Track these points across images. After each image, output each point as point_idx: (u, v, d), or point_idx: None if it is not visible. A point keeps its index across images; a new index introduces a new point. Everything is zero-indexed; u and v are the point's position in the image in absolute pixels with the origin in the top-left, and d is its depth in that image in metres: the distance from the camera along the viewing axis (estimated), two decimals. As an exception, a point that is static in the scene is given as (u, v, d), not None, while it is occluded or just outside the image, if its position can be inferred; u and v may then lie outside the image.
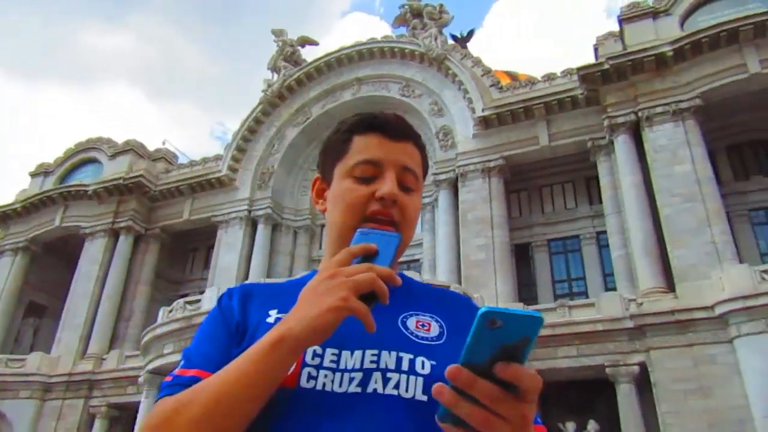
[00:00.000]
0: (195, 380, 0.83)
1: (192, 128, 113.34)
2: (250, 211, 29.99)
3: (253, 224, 29.99)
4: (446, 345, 0.92)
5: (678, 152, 21.59)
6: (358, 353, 0.87)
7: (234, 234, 29.57)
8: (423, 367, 0.87)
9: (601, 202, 24.51)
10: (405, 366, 0.86)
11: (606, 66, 23.43)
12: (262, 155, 31.38)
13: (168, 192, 32.00)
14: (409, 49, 29.79)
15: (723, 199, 21.30)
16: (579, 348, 20.41)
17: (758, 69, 21.40)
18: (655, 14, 24.44)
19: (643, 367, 19.64)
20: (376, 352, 0.88)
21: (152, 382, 21.97)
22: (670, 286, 20.27)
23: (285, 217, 30.75)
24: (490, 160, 25.80)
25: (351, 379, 0.85)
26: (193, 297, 22.06)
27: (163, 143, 36.44)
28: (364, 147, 1.03)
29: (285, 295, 0.95)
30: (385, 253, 0.83)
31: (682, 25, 24.06)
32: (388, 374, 0.85)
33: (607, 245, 23.74)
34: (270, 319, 0.94)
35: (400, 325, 0.94)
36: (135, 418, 24.15)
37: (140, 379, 22.66)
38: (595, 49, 25.56)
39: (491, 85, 27.27)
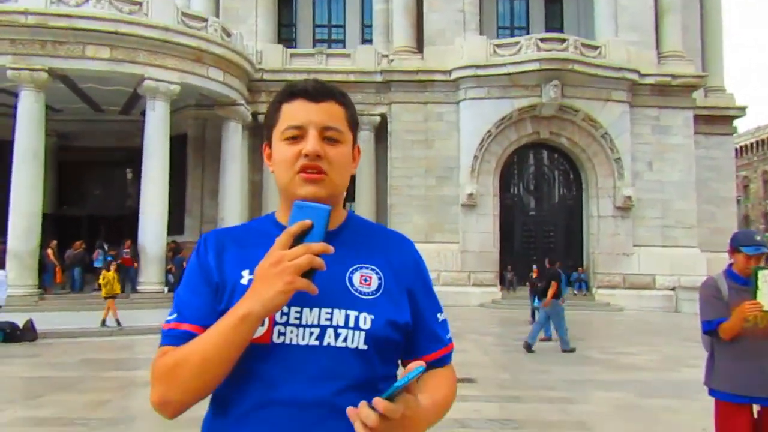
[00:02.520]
0: (188, 334, 1.07)
1: None
2: None
3: None
4: (382, 298, 1.14)
5: None
6: (315, 311, 1.08)
7: None
8: (365, 323, 1.10)
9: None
10: (351, 323, 1.09)
11: None
12: None
13: None
14: None
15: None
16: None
17: None
18: None
19: (384, 118, 21.79)
20: (329, 310, 1.09)
21: None
22: (420, 48, 21.79)
23: None
24: None
25: (311, 334, 1.08)
26: None
27: None
28: (290, 113, 1.16)
29: (252, 250, 1.11)
30: (319, 225, 1.01)
31: None
32: (339, 330, 1.08)
33: (371, -3, 23.89)
34: (243, 281, 1.09)
35: (347, 281, 1.13)
36: None
37: None
38: None
39: None
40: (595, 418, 5.78)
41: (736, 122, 25.39)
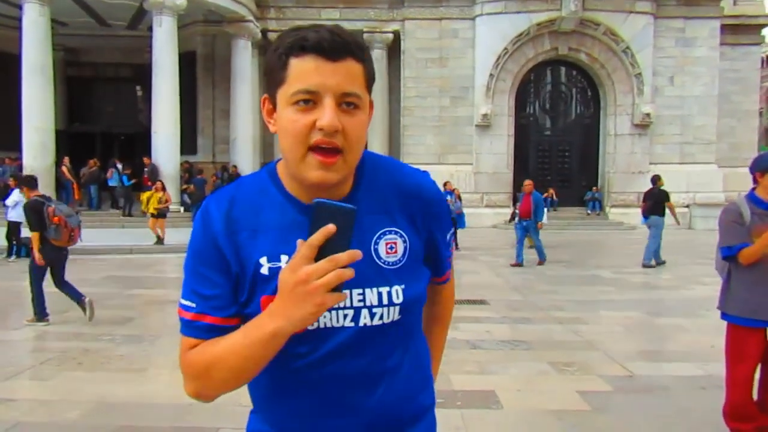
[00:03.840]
0: (212, 327, 1.03)
1: None
2: None
3: None
4: (408, 263, 1.09)
5: None
6: (346, 292, 1.01)
7: None
8: (397, 296, 1.06)
9: None
10: (385, 300, 1.06)
11: None
12: None
13: None
14: None
15: None
16: (342, 11, 20.81)
17: None
18: None
19: (397, 35, 21.10)
20: (361, 291, 1.05)
21: None
22: (435, -42, 20.79)
23: None
24: None
25: (345, 316, 1.04)
26: None
27: None
28: (300, 73, 0.99)
29: (268, 232, 1.04)
30: (344, 230, 0.91)
31: None
32: (374, 309, 1.05)
33: None
34: (263, 270, 1.02)
35: (373, 253, 1.06)
36: None
37: None
38: None
39: None
40: (605, 338, 5.91)
41: (764, 31, 24.34)
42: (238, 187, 1.14)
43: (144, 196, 14.31)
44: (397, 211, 1.12)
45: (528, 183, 11.87)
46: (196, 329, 1.05)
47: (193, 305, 1.05)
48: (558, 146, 22.52)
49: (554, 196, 21.53)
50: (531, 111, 22.38)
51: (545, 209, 12.11)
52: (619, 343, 5.73)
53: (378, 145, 21.13)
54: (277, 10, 20.89)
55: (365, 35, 20.94)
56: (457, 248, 12.51)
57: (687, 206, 20.95)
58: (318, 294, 0.91)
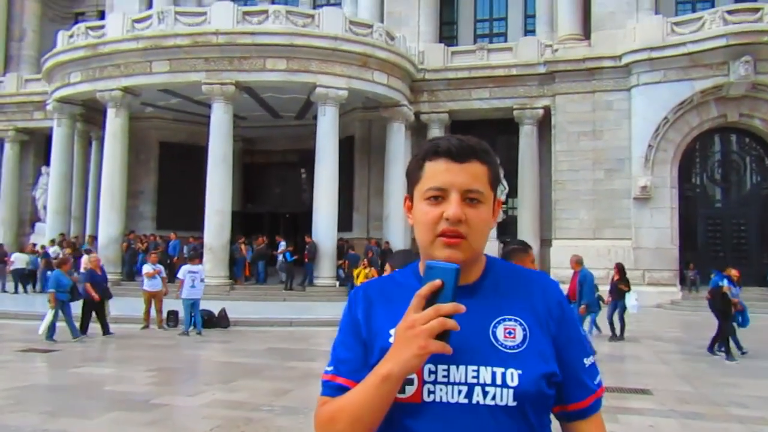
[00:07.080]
0: (341, 387, 1.18)
1: None
2: None
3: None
4: (527, 350, 1.15)
5: None
6: (462, 368, 1.12)
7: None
8: (512, 380, 1.11)
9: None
10: (498, 380, 1.11)
11: None
12: None
13: None
14: None
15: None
16: (491, 90, 21.30)
17: None
18: None
19: (547, 110, 21.04)
20: (475, 368, 1.12)
21: (62, 110, 21.25)
22: (587, 34, 20.70)
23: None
24: None
25: (459, 392, 1.12)
26: (94, 22, 20.21)
27: None
28: (433, 173, 1.18)
29: (397, 307, 1.15)
30: (448, 285, 1.05)
31: None
32: (486, 388, 1.11)
33: (534, -15, 23.14)
34: (392, 339, 1.14)
35: (491, 336, 1.16)
36: (46, 143, 23.98)
37: (48, 107, 21.80)
38: None
39: None
40: (795, 445, 5.15)
41: None
42: (384, 276, 1.37)
43: (355, 272, 16.01)
44: (520, 303, 1.20)
45: (573, 258, 10.41)
46: (329, 388, 1.20)
47: (331, 368, 1.22)
48: (731, 219, 20.54)
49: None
50: (697, 182, 20.81)
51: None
52: (814, 453, 4.95)
53: (528, 220, 20.77)
54: (430, 93, 21.91)
55: (515, 112, 21.15)
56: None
57: None
58: (421, 337, 1.02)
